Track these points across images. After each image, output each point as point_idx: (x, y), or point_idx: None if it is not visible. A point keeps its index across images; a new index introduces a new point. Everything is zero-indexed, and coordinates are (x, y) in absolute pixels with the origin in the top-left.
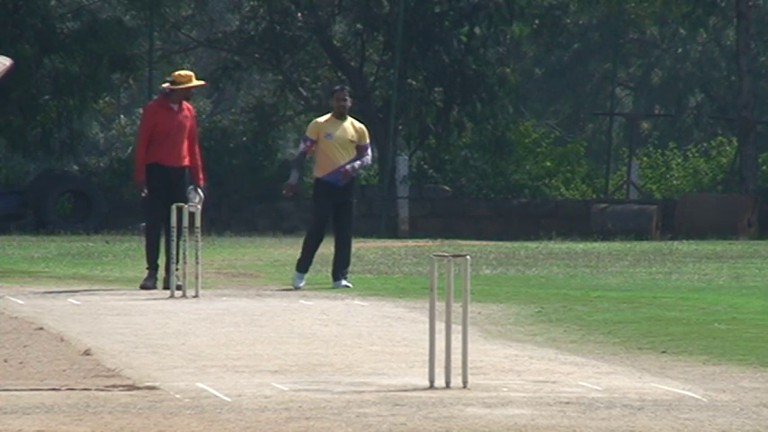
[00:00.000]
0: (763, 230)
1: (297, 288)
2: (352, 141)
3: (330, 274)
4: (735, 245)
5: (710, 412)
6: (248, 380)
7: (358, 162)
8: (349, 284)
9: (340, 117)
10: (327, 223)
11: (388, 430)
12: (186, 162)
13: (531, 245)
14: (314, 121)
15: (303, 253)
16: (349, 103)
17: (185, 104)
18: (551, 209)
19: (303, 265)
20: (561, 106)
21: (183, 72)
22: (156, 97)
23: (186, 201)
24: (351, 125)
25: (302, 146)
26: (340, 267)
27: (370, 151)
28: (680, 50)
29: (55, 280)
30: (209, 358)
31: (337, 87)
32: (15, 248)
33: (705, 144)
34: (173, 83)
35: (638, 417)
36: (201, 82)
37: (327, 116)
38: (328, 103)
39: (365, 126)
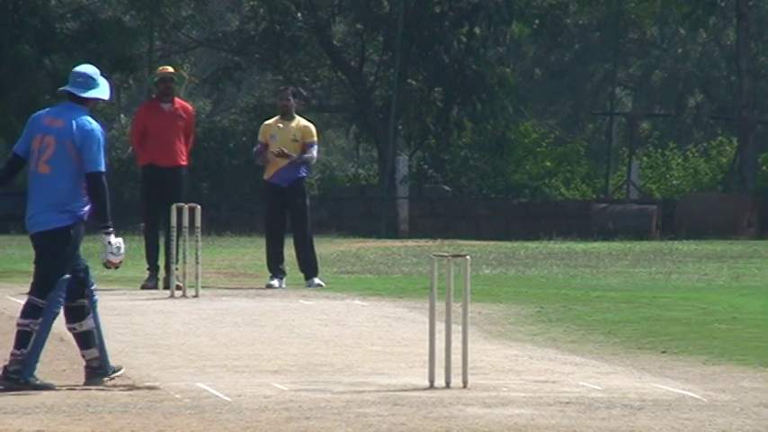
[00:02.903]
0: (763, 230)
1: (270, 287)
2: (294, 140)
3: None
4: (735, 245)
5: (710, 412)
6: (248, 380)
7: (294, 155)
8: (322, 284)
9: (285, 117)
10: (281, 222)
11: (388, 430)
12: (182, 162)
13: (531, 245)
14: (263, 123)
15: (266, 256)
16: (292, 103)
17: (180, 103)
18: (551, 209)
19: (270, 267)
20: (561, 106)
21: (161, 67)
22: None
23: (183, 200)
24: (296, 124)
25: (254, 149)
26: (305, 268)
27: (314, 150)
28: (680, 50)
29: None
30: (209, 358)
31: (281, 87)
32: (15, 248)
33: (705, 144)
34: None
35: (638, 417)
36: (169, 69)
37: (276, 118)
38: (329, 103)
39: (313, 124)
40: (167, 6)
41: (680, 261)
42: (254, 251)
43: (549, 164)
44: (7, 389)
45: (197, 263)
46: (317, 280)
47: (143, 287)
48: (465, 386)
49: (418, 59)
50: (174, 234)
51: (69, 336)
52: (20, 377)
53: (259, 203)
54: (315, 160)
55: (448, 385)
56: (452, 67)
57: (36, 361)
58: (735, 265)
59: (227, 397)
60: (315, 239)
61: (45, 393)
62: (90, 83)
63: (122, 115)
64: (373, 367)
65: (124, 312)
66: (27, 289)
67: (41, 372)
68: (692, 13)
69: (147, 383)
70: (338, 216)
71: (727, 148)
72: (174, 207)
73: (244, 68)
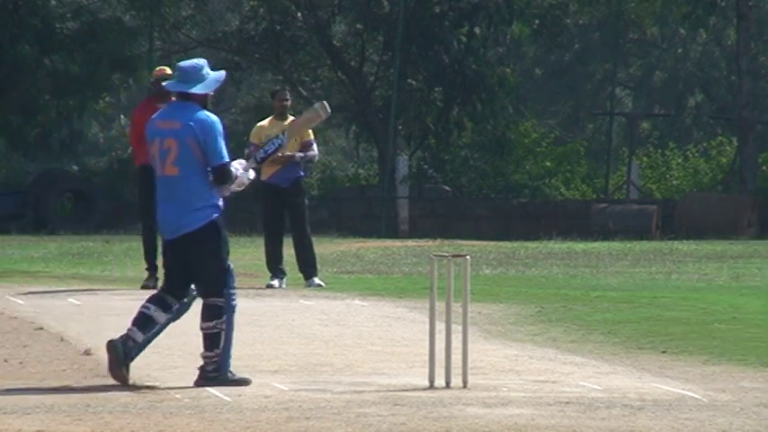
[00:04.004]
0: (763, 230)
1: (270, 287)
2: (294, 140)
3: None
4: (735, 245)
5: (710, 412)
6: None
7: (300, 154)
8: (322, 284)
9: (281, 117)
10: (280, 222)
11: (388, 430)
12: None
13: (531, 245)
14: (256, 125)
15: (265, 256)
16: (289, 103)
17: None
18: (551, 209)
19: (270, 267)
20: (561, 106)
21: (157, 68)
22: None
23: None
24: (291, 123)
25: (246, 151)
26: (304, 268)
27: (315, 147)
28: (680, 50)
29: (55, 280)
30: None
31: (277, 88)
32: (15, 248)
33: (705, 144)
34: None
35: (638, 417)
36: (166, 70)
37: (269, 118)
38: (329, 103)
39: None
40: (167, 6)
41: (680, 261)
42: (254, 251)
43: (549, 164)
44: (206, 386)
45: None
46: (317, 280)
47: (143, 287)
48: (465, 386)
49: (418, 59)
50: None
51: (69, 335)
52: (219, 374)
53: (259, 204)
54: (317, 158)
55: (448, 385)
56: (452, 67)
57: (229, 356)
58: (735, 265)
59: (227, 397)
60: (315, 239)
61: (45, 393)
62: (189, 77)
63: (122, 115)
64: (373, 367)
65: (124, 312)
66: (27, 289)
67: (40, 372)
68: (692, 13)
69: (147, 383)
70: (338, 216)
71: (727, 148)
72: None
73: (244, 68)
